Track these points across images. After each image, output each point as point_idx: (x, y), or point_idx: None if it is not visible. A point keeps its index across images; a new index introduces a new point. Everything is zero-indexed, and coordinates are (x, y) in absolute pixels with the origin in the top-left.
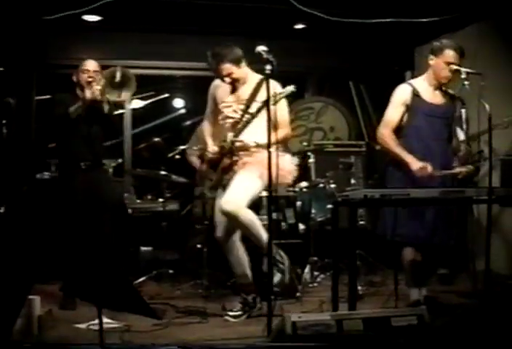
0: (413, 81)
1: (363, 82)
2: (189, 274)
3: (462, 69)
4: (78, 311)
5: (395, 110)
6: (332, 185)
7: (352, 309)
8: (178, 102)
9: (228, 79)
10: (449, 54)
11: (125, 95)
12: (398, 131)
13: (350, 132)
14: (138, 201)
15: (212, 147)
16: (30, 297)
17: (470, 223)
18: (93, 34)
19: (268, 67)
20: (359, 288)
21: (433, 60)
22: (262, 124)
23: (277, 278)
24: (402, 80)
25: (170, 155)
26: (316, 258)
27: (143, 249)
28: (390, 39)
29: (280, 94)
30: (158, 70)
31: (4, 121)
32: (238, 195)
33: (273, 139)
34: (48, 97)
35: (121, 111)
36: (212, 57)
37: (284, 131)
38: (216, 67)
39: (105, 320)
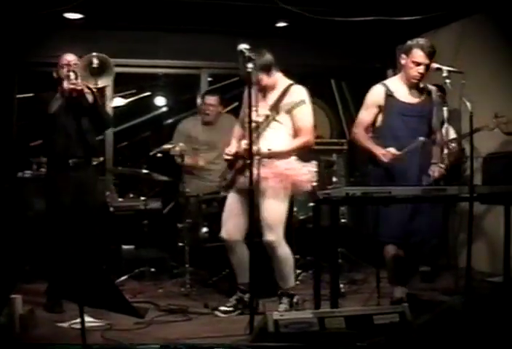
0: (388, 81)
1: (345, 80)
2: (171, 272)
3: (444, 67)
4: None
5: (366, 111)
6: (314, 183)
7: (334, 307)
8: (160, 101)
9: (258, 86)
10: (417, 53)
11: (103, 82)
12: (375, 132)
13: (331, 130)
14: (120, 199)
15: (229, 149)
16: (12, 296)
17: (452, 221)
18: (75, 32)
19: (250, 65)
20: (341, 286)
21: (404, 60)
22: (281, 131)
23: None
24: (384, 78)
25: (152, 153)
26: (297, 256)
27: (125, 247)
28: (372, 37)
29: (291, 103)
30: (140, 68)
31: None
32: (278, 225)
33: (291, 145)
34: (30, 95)
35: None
36: (243, 63)
37: (304, 138)
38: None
39: (87, 319)
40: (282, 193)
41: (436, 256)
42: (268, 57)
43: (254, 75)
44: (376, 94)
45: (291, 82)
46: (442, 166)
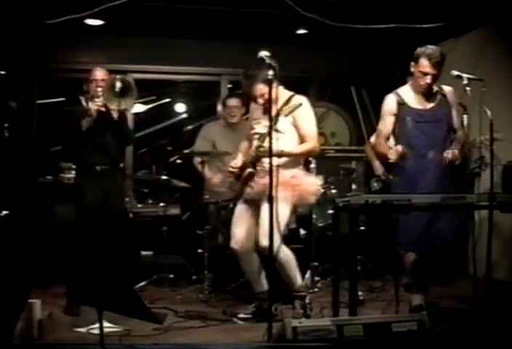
0: (400, 90)
1: (365, 87)
2: (190, 279)
3: (464, 75)
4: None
5: (383, 121)
6: (333, 191)
7: (352, 314)
8: (180, 107)
9: (261, 100)
10: (423, 63)
11: (125, 103)
12: (396, 141)
13: (351, 138)
14: (139, 205)
15: (235, 161)
16: (31, 300)
17: (471, 229)
18: (95, 38)
19: (270, 72)
20: (360, 293)
21: (412, 67)
22: (287, 138)
23: None
24: (403, 85)
25: (172, 159)
26: (316, 263)
27: (144, 253)
28: (391, 44)
29: (291, 106)
30: (160, 75)
31: (5, 125)
32: (276, 231)
33: (299, 149)
34: (51, 100)
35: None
36: (246, 78)
37: (310, 144)
38: (249, 88)
39: (105, 324)
40: (285, 201)
41: (452, 259)
42: (270, 71)
43: (257, 89)
44: (389, 104)
45: (292, 93)
46: (456, 151)
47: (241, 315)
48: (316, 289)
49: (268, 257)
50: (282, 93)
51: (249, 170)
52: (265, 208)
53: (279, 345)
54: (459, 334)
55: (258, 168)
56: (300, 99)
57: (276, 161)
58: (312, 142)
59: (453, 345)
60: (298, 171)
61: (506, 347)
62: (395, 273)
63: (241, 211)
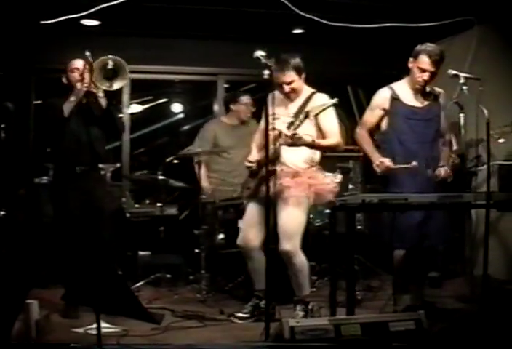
0: (394, 85)
1: (361, 86)
2: (187, 279)
3: (461, 74)
4: None
5: (370, 113)
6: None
7: (350, 314)
8: (176, 107)
9: (287, 88)
10: (423, 59)
11: (117, 84)
12: (382, 136)
13: (347, 137)
14: (136, 205)
15: (253, 156)
16: (28, 301)
17: (468, 228)
18: (91, 39)
19: (266, 72)
20: (357, 293)
21: (411, 63)
22: (306, 134)
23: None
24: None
25: (168, 159)
26: (313, 263)
27: (141, 253)
28: (388, 44)
29: (321, 105)
30: (156, 75)
31: (2, 126)
32: (296, 234)
33: (325, 144)
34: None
35: (119, 115)
36: (278, 63)
37: (333, 140)
38: (280, 74)
39: (103, 324)
40: (303, 203)
41: (446, 261)
42: (300, 60)
43: (287, 75)
44: (381, 97)
45: (314, 90)
46: (447, 168)
47: (239, 315)
48: (313, 289)
49: (286, 261)
50: (305, 89)
51: (272, 168)
52: (285, 210)
53: (277, 344)
54: (456, 333)
55: (278, 168)
56: (322, 96)
57: (298, 160)
58: (335, 138)
59: (450, 345)
60: (315, 170)
61: (504, 346)
62: (392, 272)
63: (254, 209)
